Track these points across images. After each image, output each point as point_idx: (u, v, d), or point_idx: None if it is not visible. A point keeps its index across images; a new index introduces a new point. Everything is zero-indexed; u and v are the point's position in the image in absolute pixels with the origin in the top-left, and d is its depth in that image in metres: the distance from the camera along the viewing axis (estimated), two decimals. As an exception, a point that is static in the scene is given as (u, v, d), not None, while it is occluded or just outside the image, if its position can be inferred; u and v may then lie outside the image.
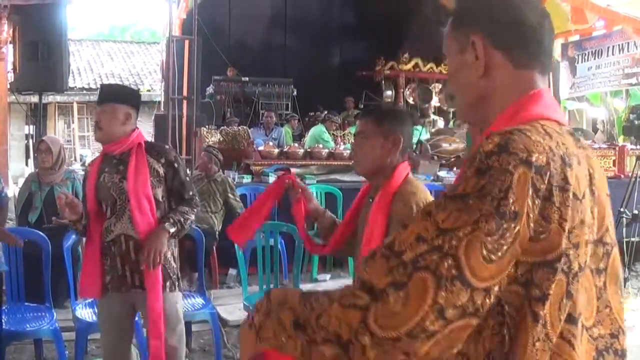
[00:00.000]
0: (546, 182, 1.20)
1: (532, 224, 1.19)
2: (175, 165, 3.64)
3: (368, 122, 2.72)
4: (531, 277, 1.20)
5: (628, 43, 10.42)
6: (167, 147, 3.78)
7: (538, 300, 1.21)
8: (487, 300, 1.17)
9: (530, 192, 1.18)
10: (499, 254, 1.16)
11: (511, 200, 1.17)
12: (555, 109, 1.40)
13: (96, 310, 3.96)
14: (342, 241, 2.82)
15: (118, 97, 3.63)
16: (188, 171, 3.70)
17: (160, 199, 3.60)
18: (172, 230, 3.51)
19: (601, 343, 1.35)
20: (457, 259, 1.14)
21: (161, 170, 3.60)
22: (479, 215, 1.16)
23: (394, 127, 2.67)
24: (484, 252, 1.15)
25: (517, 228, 1.17)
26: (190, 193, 3.68)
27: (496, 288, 1.18)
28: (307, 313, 1.28)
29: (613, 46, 10.83)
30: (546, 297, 1.21)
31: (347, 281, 4.77)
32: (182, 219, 3.57)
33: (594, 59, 11.22)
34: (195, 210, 3.68)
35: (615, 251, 1.40)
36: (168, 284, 3.61)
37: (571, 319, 1.26)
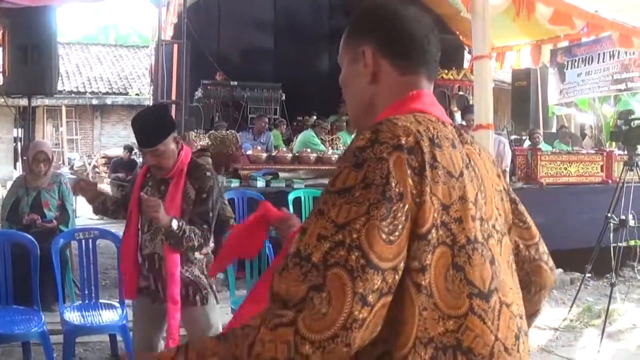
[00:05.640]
0: (419, 159, 1.30)
1: (416, 199, 1.29)
2: (204, 195, 3.53)
3: None
4: (409, 249, 1.29)
5: (619, 50, 10.46)
6: (207, 174, 3.60)
7: (418, 271, 1.29)
8: (397, 277, 1.27)
9: (408, 171, 1.29)
10: (397, 233, 1.25)
11: (393, 184, 1.27)
12: (436, 106, 1.52)
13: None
14: None
15: (161, 135, 3.49)
16: (225, 207, 3.49)
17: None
18: (173, 226, 3.35)
19: (519, 322, 1.44)
20: (362, 248, 1.22)
21: (192, 195, 3.53)
22: (368, 205, 1.25)
23: None
24: (383, 235, 1.24)
25: (406, 207, 1.27)
26: (205, 227, 3.51)
27: (402, 264, 1.27)
28: (235, 350, 1.27)
29: (604, 53, 10.88)
30: (425, 268, 1.29)
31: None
32: (187, 234, 3.41)
33: (584, 65, 11.27)
34: (201, 242, 3.49)
35: (507, 241, 1.51)
36: (198, 297, 3.61)
37: (480, 294, 1.35)
